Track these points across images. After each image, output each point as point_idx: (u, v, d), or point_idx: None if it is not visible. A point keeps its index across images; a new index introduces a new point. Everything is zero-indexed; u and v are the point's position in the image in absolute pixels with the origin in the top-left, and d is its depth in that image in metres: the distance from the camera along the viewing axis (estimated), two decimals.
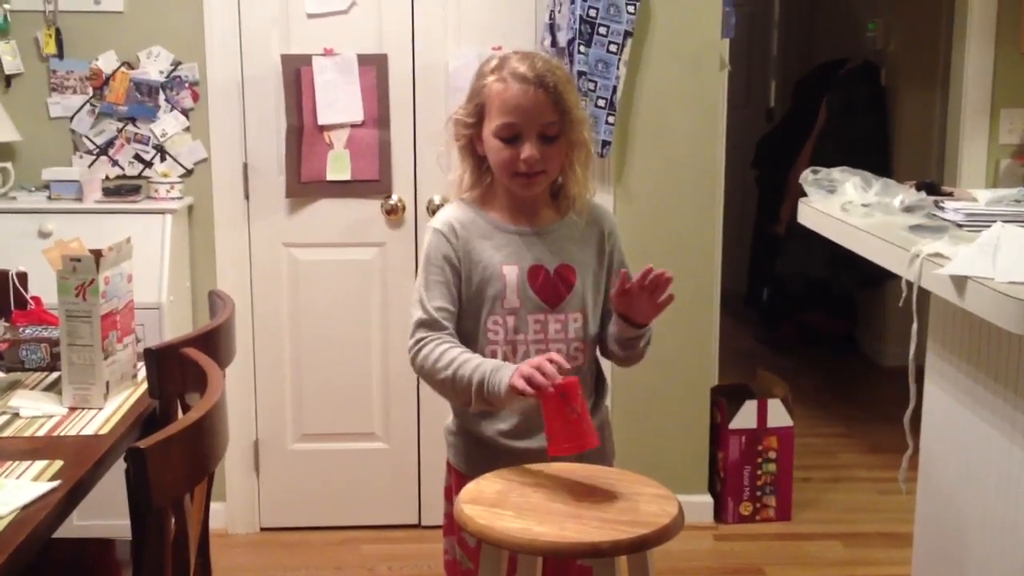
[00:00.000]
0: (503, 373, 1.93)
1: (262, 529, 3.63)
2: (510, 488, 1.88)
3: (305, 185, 3.45)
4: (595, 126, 3.25)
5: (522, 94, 2.01)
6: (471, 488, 1.89)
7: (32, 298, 2.55)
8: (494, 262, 2.06)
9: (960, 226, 2.35)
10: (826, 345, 5.75)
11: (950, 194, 2.73)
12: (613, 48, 3.27)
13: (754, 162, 6.05)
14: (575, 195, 2.10)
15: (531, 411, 2.01)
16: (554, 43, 3.33)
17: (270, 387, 3.57)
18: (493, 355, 2.06)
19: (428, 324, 2.04)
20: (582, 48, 3.25)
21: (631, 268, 2.18)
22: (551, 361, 1.87)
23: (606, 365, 2.22)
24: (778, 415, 3.66)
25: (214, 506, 2.17)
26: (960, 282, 1.99)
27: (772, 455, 3.67)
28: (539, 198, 2.11)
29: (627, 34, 3.28)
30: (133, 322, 2.27)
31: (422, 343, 2.04)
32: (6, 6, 3.37)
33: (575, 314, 2.08)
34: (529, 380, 1.86)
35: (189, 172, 3.47)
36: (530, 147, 2.01)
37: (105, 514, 2.48)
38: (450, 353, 2.00)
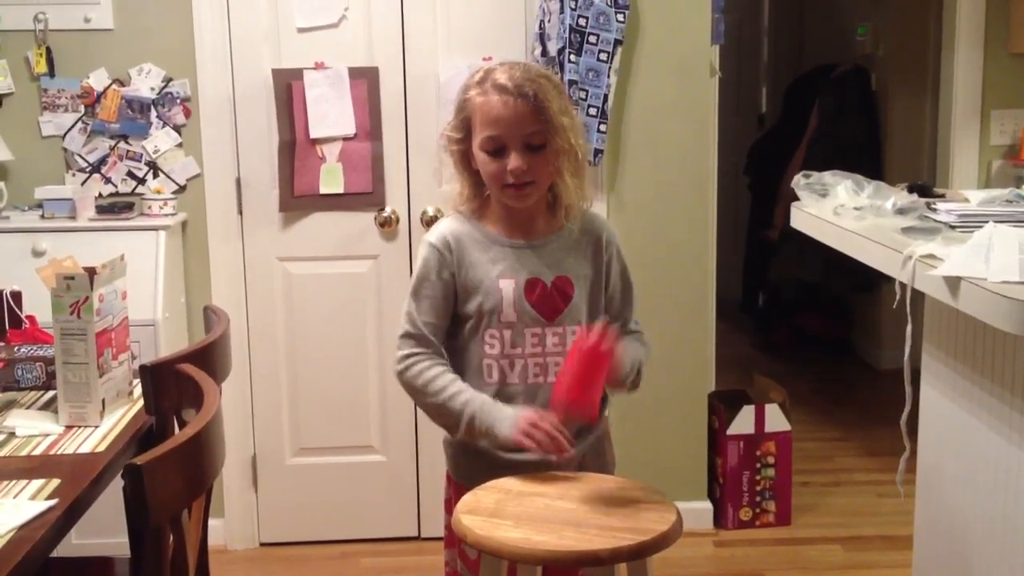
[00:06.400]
0: (496, 416, 1.97)
1: (261, 544, 3.63)
2: (508, 498, 1.88)
3: (298, 199, 3.45)
4: (587, 134, 3.25)
5: (502, 105, 1.99)
6: (469, 498, 1.89)
7: (27, 317, 2.55)
8: (490, 276, 2.05)
9: (953, 227, 2.36)
10: (821, 349, 5.76)
11: (942, 196, 2.73)
12: (603, 57, 3.28)
13: (746, 168, 6.06)
14: (569, 205, 2.08)
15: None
16: (544, 52, 3.33)
17: (267, 402, 3.57)
18: (489, 369, 2.06)
19: (415, 338, 2.05)
20: (572, 57, 3.25)
21: (632, 277, 2.18)
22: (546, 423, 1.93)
23: None
24: (776, 420, 3.66)
25: (212, 522, 2.17)
26: (954, 283, 1.99)
27: (771, 460, 3.66)
28: (535, 210, 2.09)
29: (617, 42, 3.29)
30: (128, 339, 2.27)
31: (412, 361, 2.04)
32: None
33: (573, 327, 2.07)
34: (529, 436, 1.93)
35: (182, 188, 3.47)
36: (516, 158, 1.99)
37: (103, 532, 2.47)
38: (441, 379, 2.02)
